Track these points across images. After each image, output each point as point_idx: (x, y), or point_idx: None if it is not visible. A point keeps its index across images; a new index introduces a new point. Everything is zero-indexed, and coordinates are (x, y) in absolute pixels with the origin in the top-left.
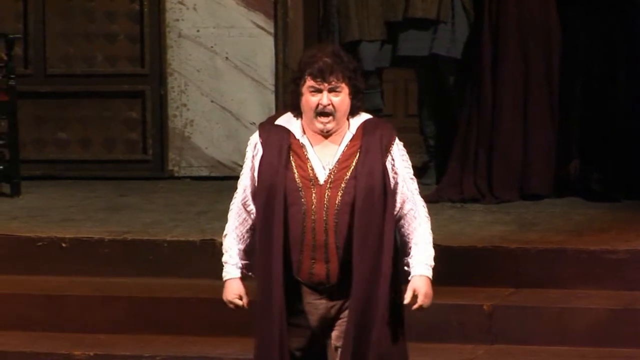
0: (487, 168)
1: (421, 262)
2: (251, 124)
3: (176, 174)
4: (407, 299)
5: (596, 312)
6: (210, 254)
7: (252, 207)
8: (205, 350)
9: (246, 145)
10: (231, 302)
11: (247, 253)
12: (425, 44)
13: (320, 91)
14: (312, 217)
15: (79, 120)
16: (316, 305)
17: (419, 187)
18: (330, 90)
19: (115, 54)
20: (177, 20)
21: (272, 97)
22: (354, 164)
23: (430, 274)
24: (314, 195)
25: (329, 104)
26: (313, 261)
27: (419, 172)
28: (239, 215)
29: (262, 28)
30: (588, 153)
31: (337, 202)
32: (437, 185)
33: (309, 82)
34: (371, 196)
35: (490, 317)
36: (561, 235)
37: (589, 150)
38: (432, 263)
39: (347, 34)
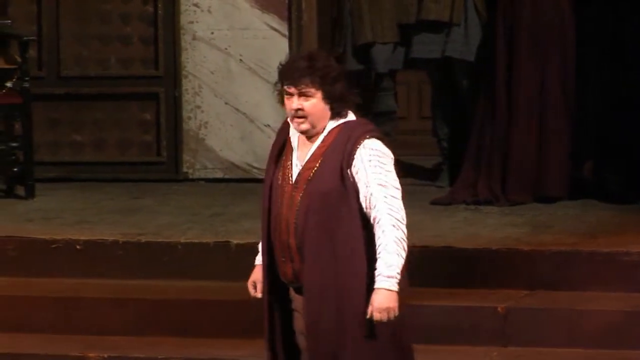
0: (501, 170)
1: (380, 274)
2: (265, 125)
3: (190, 176)
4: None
5: (610, 314)
6: (224, 256)
7: None
8: (218, 353)
9: (260, 147)
10: (248, 288)
11: None
12: (438, 47)
13: (292, 95)
14: (279, 217)
15: (93, 123)
16: (299, 301)
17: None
18: (301, 95)
19: (129, 56)
20: (192, 22)
21: None
22: (317, 166)
23: (389, 285)
24: (285, 195)
25: (299, 109)
26: (283, 260)
27: (432, 174)
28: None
29: (276, 30)
30: (603, 154)
31: (298, 202)
32: (450, 187)
33: (284, 86)
34: (324, 199)
35: (504, 319)
36: (575, 237)
37: (604, 151)
38: (393, 274)
39: (360, 36)
